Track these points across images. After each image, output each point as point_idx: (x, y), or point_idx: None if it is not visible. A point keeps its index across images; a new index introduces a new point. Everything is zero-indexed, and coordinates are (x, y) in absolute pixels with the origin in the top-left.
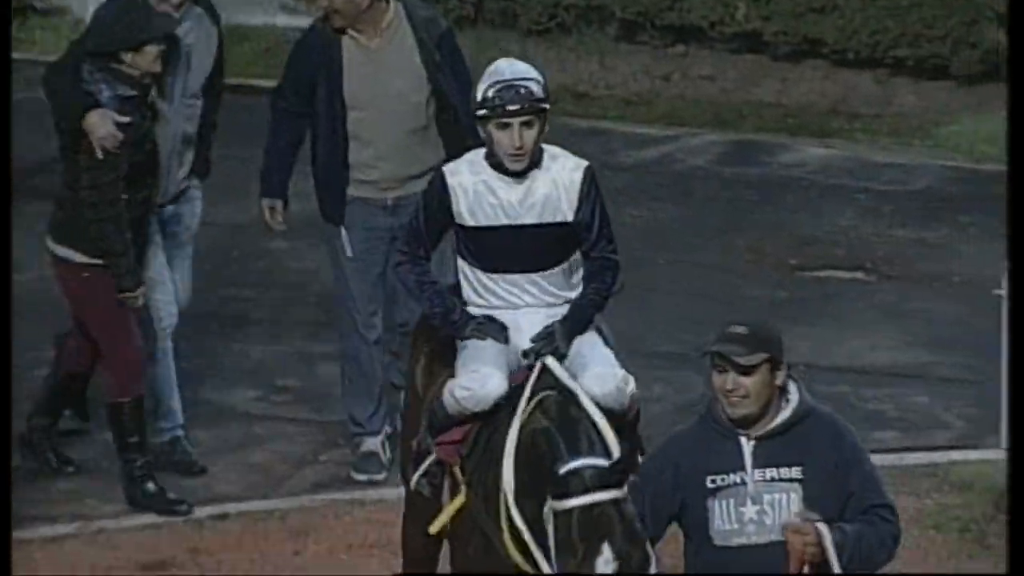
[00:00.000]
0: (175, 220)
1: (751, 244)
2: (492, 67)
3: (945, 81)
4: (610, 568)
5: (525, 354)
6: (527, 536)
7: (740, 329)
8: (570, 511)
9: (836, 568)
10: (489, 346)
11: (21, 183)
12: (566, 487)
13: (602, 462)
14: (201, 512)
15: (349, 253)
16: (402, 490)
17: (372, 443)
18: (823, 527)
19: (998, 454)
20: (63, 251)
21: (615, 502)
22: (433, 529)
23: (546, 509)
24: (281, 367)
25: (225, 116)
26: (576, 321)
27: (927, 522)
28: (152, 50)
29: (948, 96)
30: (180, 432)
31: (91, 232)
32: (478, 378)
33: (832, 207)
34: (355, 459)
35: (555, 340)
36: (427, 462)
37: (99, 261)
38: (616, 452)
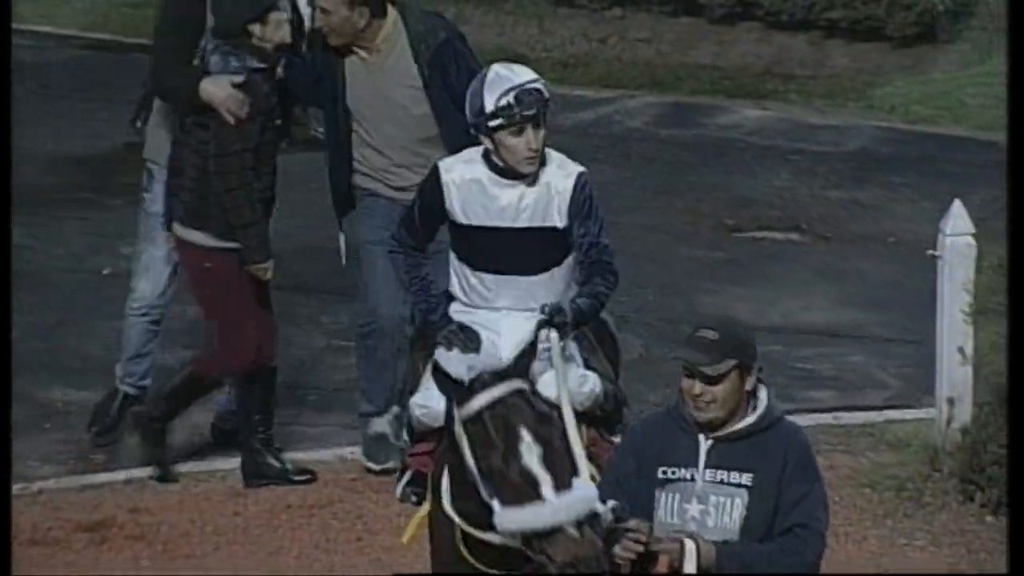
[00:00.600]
0: None
1: (688, 205)
2: (491, 75)
3: (879, 43)
4: (534, 452)
5: (480, 378)
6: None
7: (710, 334)
8: (479, 412)
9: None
10: (453, 359)
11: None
12: (469, 392)
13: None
14: (142, 472)
15: (344, 261)
16: (337, 451)
17: (379, 424)
18: (688, 542)
19: (932, 413)
20: (190, 235)
21: (519, 392)
22: (404, 539)
23: (457, 429)
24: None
25: None
26: (583, 313)
27: (862, 480)
28: (277, 17)
29: (882, 58)
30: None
31: (222, 203)
32: (434, 396)
33: (767, 168)
34: (364, 444)
35: (566, 319)
36: (407, 476)
37: (226, 244)
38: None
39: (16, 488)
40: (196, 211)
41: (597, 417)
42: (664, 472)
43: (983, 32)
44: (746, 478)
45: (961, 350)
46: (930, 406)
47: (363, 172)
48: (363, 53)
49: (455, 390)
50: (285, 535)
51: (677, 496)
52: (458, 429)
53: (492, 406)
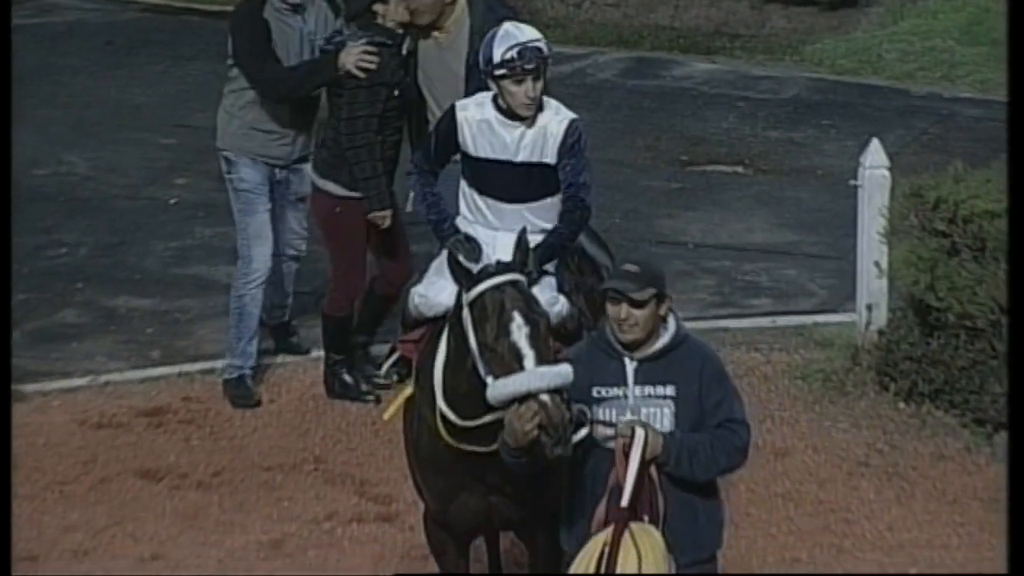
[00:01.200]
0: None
1: (648, 143)
2: (502, 32)
3: (810, 7)
4: (523, 331)
5: (487, 271)
6: (450, 414)
7: (633, 268)
8: (482, 294)
9: (636, 459)
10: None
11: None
12: (476, 279)
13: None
14: (192, 367)
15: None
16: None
17: None
18: (639, 429)
19: (853, 317)
20: (322, 183)
21: (515, 283)
22: (385, 416)
23: (464, 312)
24: None
25: None
26: (547, 249)
27: (795, 374)
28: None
29: (813, 20)
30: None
31: (348, 158)
32: (434, 288)
33: (716, 113)
34: None
35: (527, 259)
36: (394, 356)
37: (351, 194)
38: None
39: (85, 380)
40: (330, 164)
41: (561, 333)
42: (598, 392)
43: (896, 1)
44: (670, 390)
45: (877, 264)
46: (851, 311)
47: None
48: (436, 33)
49: (465, 277)
50: (312, 420)
51: (613, 411)
52: (464, 312)
53: (492, 290)
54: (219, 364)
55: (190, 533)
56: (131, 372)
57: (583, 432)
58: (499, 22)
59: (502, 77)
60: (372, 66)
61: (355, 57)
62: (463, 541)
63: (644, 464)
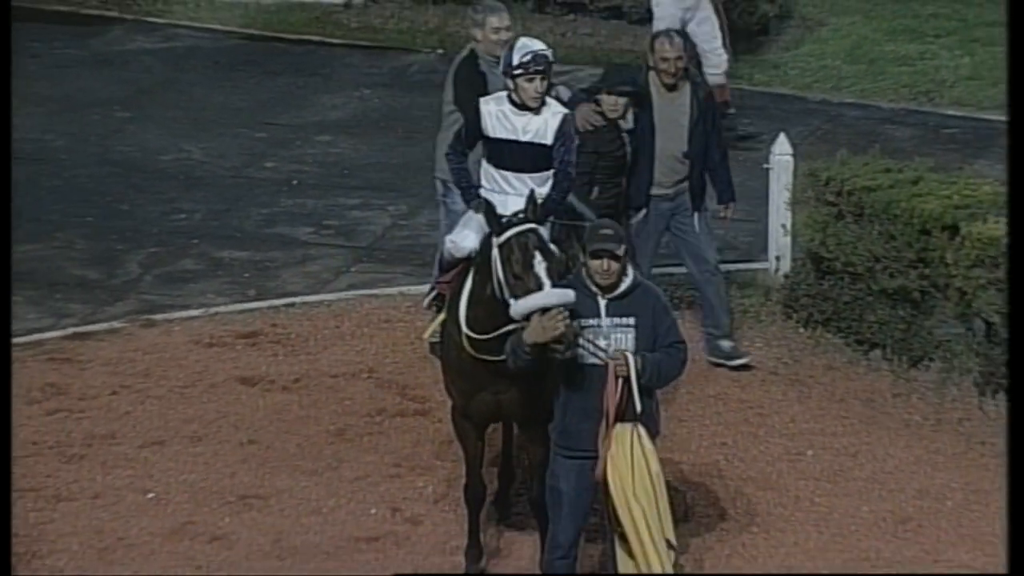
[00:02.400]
0: None
1: None
2: (519, 43)
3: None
4: (542, 268)
5: (511, 222)
6: (470, 332)
7: (608, 230)
8: (509, 239)
9: (634, 379)
10: (478, 220)
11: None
12: (506, 227)
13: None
14: (278, 302)
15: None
16: (401, 288)
17: None
18: (629, 356)
19: (766, 265)
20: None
21: (535, 231)
22: (425, 336)
23: (493, 252)
24: (326, 213)
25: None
26: (546, 206)
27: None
28: (612, 99)
29: (736, 45)
30: None
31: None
32: (462, 236)
33: None
34: None
35: (538, 213)
36: (433, 293)
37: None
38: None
39: (199, 312)
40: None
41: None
42: (579, 323)
43: (798, 29)
44: (632, 320)
45: (784, 226)
46: (765, 261)
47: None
48: (669, 91)
49: (497, 225)
50: (366, 340)
51: (590, 335)
52: (494, 252)
53: (518, 235)
54: (297, 300)
55: (276, 424)
56: (233, 305)
57: (581, 342)
58: (704, 85)
59: (519, 76)
60: (587, 126)
61: (579, 119)
62: (480, 429)
63: (634, 380)
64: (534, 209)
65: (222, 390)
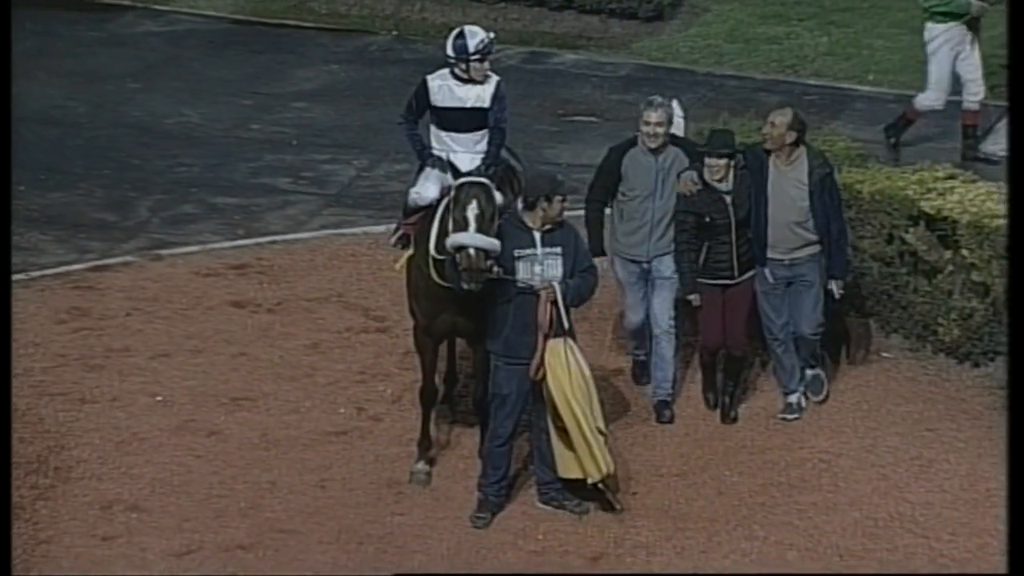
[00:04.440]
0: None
1: (539, 103)
2: (467, 30)
3: (636, 20)
4: (472, 213)
5: (467, 172)
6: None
7: (549, 180)
8: (461, 185)
9: (561, 303)
10: (435, 174)
11: None
12: (459, 177)
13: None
14: (262, 240)
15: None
16: (365, 228)
17: None
18: (556, 284)
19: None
20: None
21: (480, 184)
22: (397, 266)
23: (451, 194)
24: (302, 167)
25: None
26: (486, 159)
27: None
28: (714, 162)
29: (637, 27)
30: None
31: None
32: (423, 188)
33: (579, 84)
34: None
35: (485, 172)
36: (399, 232)
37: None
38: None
39: (197, 248)
40: None
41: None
42: (517, 253)
43: (687, 15)
44: (559, 250)
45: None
46: None
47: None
48: (780, 162)
49: (455, 175)
50: (336, 269)
51: (528, 263)
52: (451, 193)
53: (464, 185)
54: (279, 238)
55: (263, 340)
56: (226, 242)
57: (493, 275)
58: (825, 167)
59: (473, 59)
60: (687, 193)
61: (682, 186)
62: (437, 344)
63: (560, 304)
64: (485, 165)
65: (217, 312)
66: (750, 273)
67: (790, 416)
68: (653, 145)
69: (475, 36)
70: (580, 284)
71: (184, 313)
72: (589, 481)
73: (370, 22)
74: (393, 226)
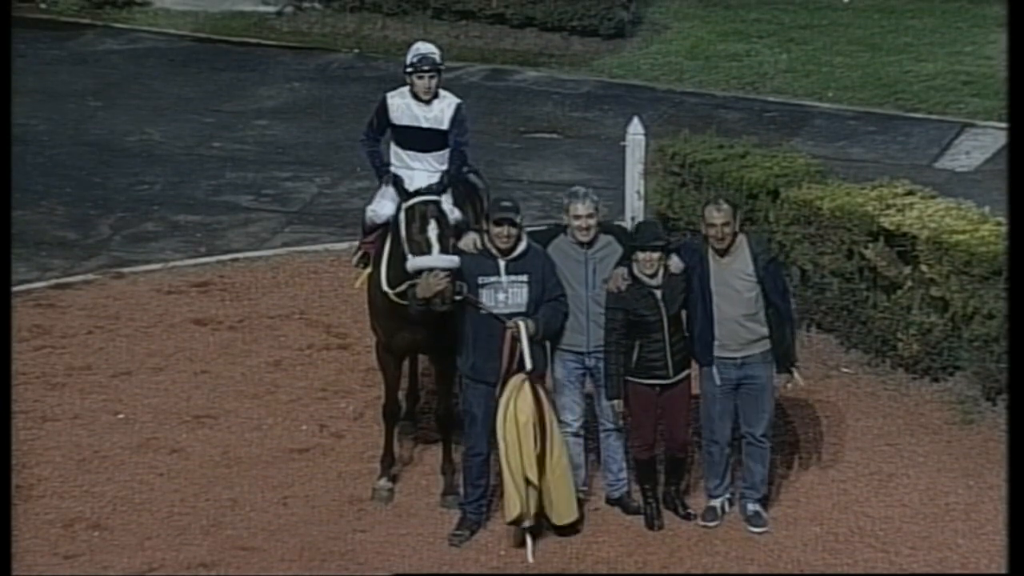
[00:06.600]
0: None
1: (500, 120)
2: (414, 47)
3: (597, 37)
4: (434, 233)
5: (416, 191)
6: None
7: (508, 203)
8: (413, 206)
9: (525, 340)
10: (391, 191)
11: None
12: (410, 196)
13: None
14: (224, 257)
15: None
16: (327, 245)
17: None
18: (520, 322)
19: (624, 223)
20: None
21: (435, 203)
22: (357, 283)
23: (400, 215)
24: (263, 184)
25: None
26: (443, 179)
27: None
28: (646, 256)
29: (598, 45)
30: None
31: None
32: (380, 206)
33: (540, 101)
34: None
35: (436, 190)
36: (360, 252)
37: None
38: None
39: (159, 266)
40: None
41: (456, 230)
42: (482, 280)
43: (648, 32)
44: (525, 277)
45: (638, 192)
46: (623, 221)
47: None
48: (721, 256)
49: (404, 195)
50: (298, 287)
51: (492, 291)
52: (401, 215)
53: (420, 203)
54: (240, 255)
55: (225, 357)
56: (187, 260)
57: (458, 297)
58: (768, 252)
59: (411, 74)
60: (615, 289)
61: (612, 281)
62: (399, 360)
63: (524, 342)
64: (438, 187)
65: (179, 329)
66: (685, 372)
67: (711, 523)
68: (585, 239)
69: (415, 51)
70: (550, 317)
71: (146, 331)
72: (506, 521)
73: (332, 40)
74: (356, 243)
